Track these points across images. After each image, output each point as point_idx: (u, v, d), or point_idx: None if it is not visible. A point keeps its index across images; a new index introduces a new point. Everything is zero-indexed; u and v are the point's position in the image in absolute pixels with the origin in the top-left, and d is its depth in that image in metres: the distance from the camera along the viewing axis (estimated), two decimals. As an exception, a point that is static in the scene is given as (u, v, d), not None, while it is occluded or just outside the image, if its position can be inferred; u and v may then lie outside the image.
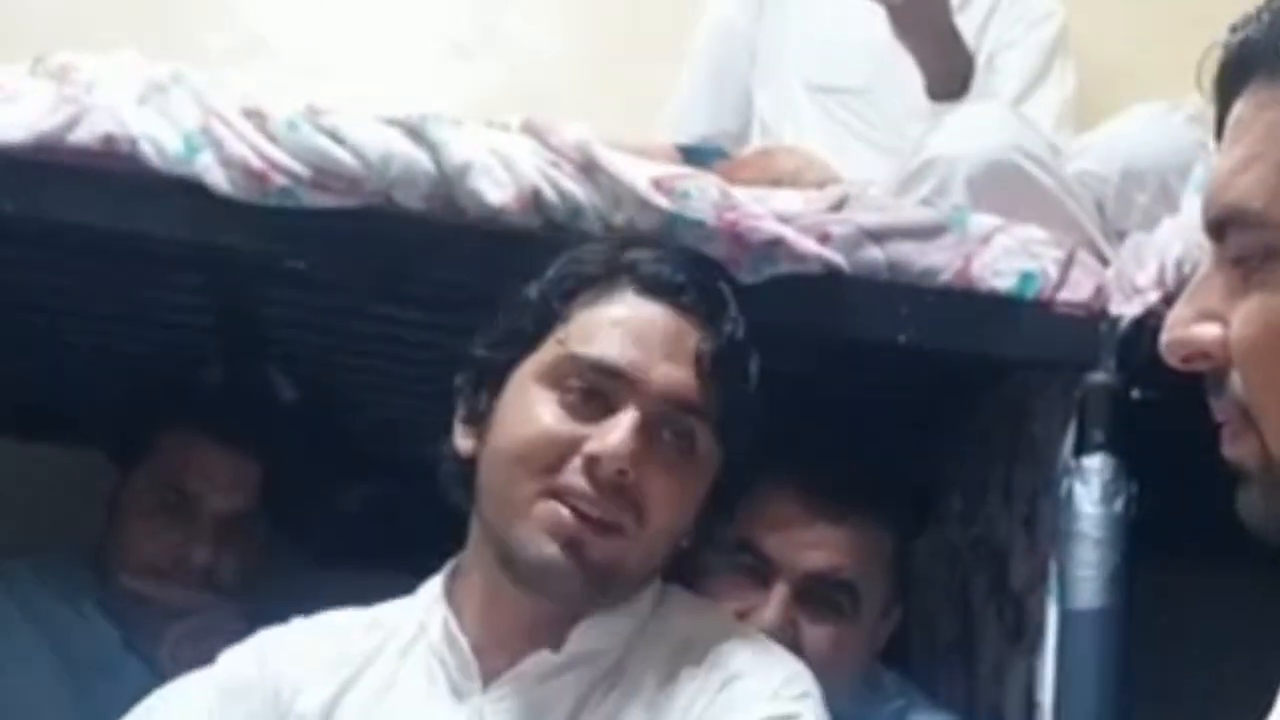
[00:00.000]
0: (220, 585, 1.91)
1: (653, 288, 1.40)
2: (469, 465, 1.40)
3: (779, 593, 1.73)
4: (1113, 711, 1.61)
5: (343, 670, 1.42)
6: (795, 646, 1.68)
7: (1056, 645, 1.65)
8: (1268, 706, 0.92)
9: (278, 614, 1.87)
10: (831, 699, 1.72)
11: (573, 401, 1.36)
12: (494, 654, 1.39)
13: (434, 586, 1.45)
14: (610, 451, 1.33)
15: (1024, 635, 1.76)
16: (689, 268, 1.43)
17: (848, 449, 1.79)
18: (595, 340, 1.38)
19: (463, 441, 1.41)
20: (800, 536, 1.75)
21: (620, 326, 1.38)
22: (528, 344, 1.40)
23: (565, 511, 1.33)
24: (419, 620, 1.43)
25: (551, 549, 1.33)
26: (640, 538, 1.36)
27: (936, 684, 1.94)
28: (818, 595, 1.74)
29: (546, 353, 1.38)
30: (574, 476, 1.34)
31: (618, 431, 1.33)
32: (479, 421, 1.40)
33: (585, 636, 1.39)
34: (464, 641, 1.39)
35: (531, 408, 1.36)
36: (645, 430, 1.35)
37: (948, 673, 1.97)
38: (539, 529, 1.33)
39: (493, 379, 1.40)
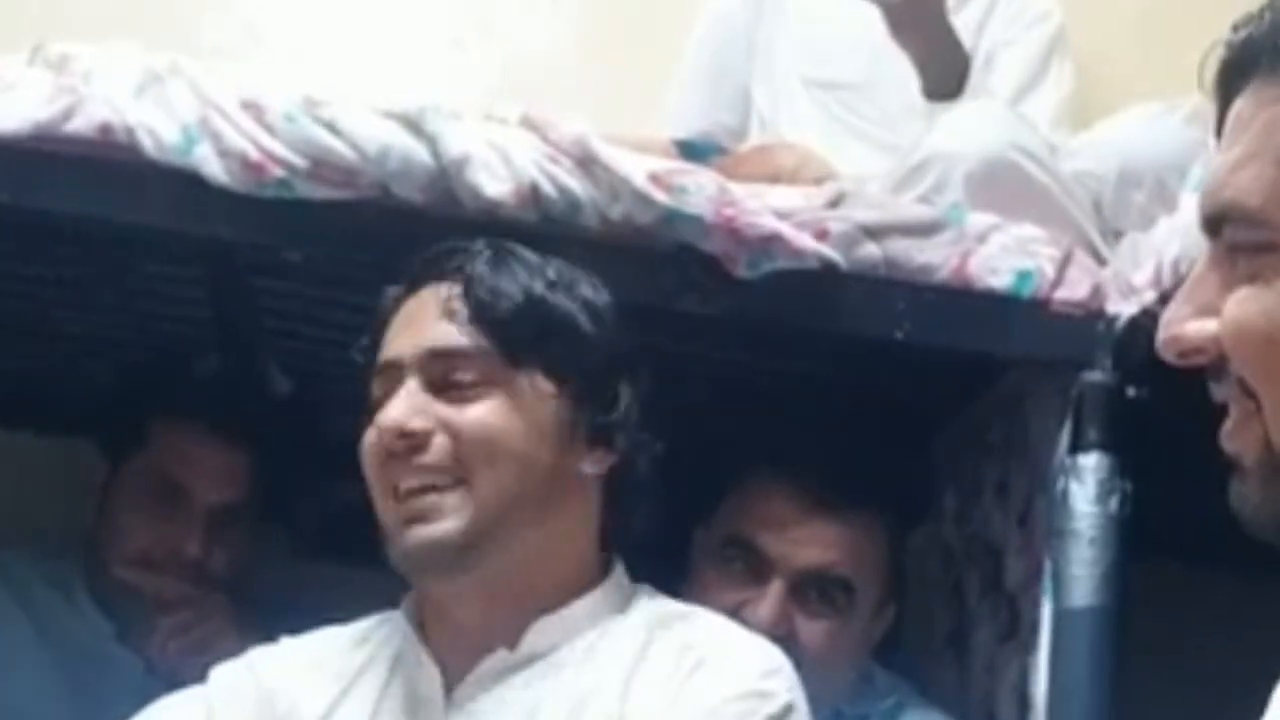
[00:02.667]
0: (211, 577, 1.90)
1: (420, 278, 1.44)
2: None
3: (774, 589, 1.73)
4: (1105, 710, 1.61)
5: (335, 684, 1.43)
6: (790, 643, 1.68)
7: (1050, 643, 1.65)
8: (1262, 706, 0.92)
9: (268, 606, 1.87)
10: (826, 695, 1.72)
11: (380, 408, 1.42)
12: (458, 660, 1.41)
13: (407, 602, 1.47)
14: (381, 424, 1.38)
15: (1018, 633, 1.76)
16: (459, 246, 1.45)
17: (844, 445, 1.79)
18: (383, 347, 1.44)
19: None
20: (796, 533, 1.75)
21: (396, 324, 1.44)
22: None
23: (398, 504, 1.38)
24: (402, 635, 1.45)
25: (404, 538, 1.37)
26: (476, 482, 1.37)
27: (929, 681, 1.94)
28: (813, 592, 1.75)
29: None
30: (389, 469, 1.39)
31: (388, 406, 1.38)
32: None
33: (541, 633, 1.40)
34: (426, 654, 1.42)
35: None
36: (427, 389, 1.39)
37: (941, 670, 1.97)
38: (392, 530, 1.39)
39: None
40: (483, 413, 1.38)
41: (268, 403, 1.95)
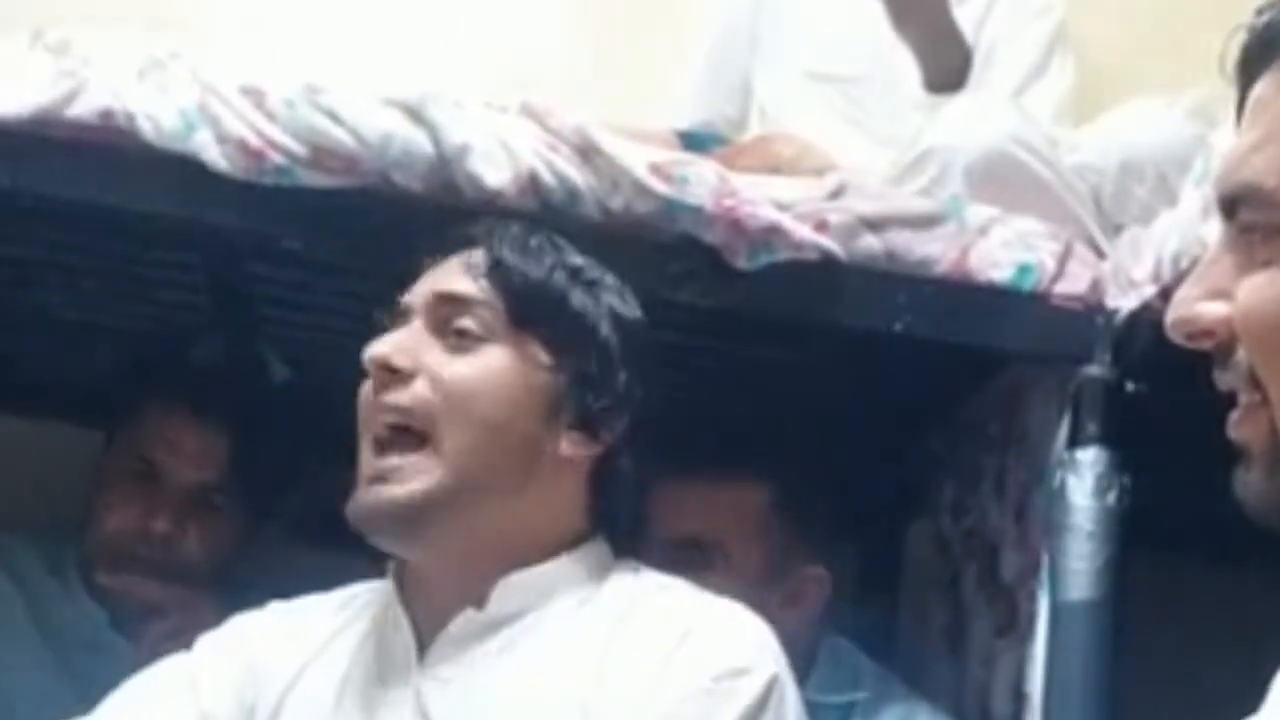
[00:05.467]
0: (185, 560, 1.88)
1: (449, 247, 1.44)
2: None
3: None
4: (1102, 704, 1.61)
5: (306, 648, 1.42)
6: None
7: (1047, 637, 1.65)
8: (1259, 699, 0.92)
9: (255, 598, 1.86)
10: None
11: None
12: (431, 623, 1.39)
13: (394, 564, 1.44)
14: (369, 354, 1.36)
15: (1015, 627, 1.76)
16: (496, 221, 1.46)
17: (818, 440, 1.78)
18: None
19: None
20: (663, 503, 1.74)
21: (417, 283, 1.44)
22: None
23: (373, 459, 1.36)
24: (384, 601, 1.44)
25: (363, 495, 1.35)
26: (444, 442, 1.34)
27: (926, 674, 1.94)
28: (679, 560, 1.72)
29: None
30: (371, 417, 1.37)
31: (383, 338, 1.38)
32: None
33: (507, 591, 1.37)
34: (404, 616, 1.39)
35: None
36: (429, 332, 1.38)
37: (937, 663, 1.97)
38: (359, 485, 1.37)
39: None
40: (469, 368, 1.36)
41: (251, 386, 1.94)
